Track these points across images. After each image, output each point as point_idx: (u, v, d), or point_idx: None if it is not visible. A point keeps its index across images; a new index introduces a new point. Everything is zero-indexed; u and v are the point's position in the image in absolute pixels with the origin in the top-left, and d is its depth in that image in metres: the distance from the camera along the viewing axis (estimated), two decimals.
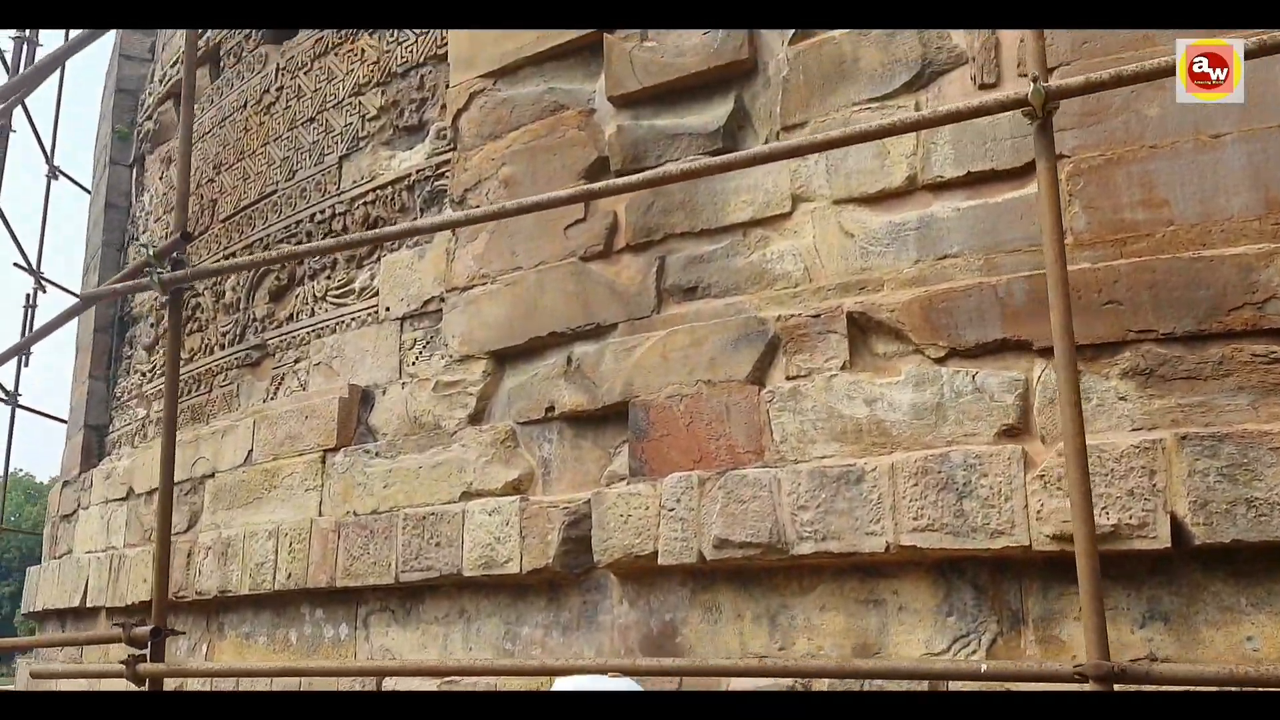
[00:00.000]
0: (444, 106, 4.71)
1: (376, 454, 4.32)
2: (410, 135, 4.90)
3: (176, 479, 5.32)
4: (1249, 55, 2.05)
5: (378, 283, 4.83)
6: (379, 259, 4.85)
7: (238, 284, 5.69)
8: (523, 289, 4.06)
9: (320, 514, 4.44)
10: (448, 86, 4.68)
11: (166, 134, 7.15)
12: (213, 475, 5.10)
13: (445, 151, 4.64)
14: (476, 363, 4.15)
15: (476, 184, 4.31)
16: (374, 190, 4.94)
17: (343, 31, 5.31)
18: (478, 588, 3.87)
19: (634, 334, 3.71)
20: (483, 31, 4.38)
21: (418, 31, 4.89)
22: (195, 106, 6.36)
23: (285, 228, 5.38)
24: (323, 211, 5.18)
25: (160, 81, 7.27)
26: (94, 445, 7.23)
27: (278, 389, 5.24)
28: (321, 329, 5.04)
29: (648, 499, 3.39)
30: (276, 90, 5.70)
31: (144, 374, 6.71)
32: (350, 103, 5.18)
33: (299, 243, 5.27)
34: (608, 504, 3.48)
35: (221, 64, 6.43)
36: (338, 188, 5.14)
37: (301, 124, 5.47)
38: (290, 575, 4.36)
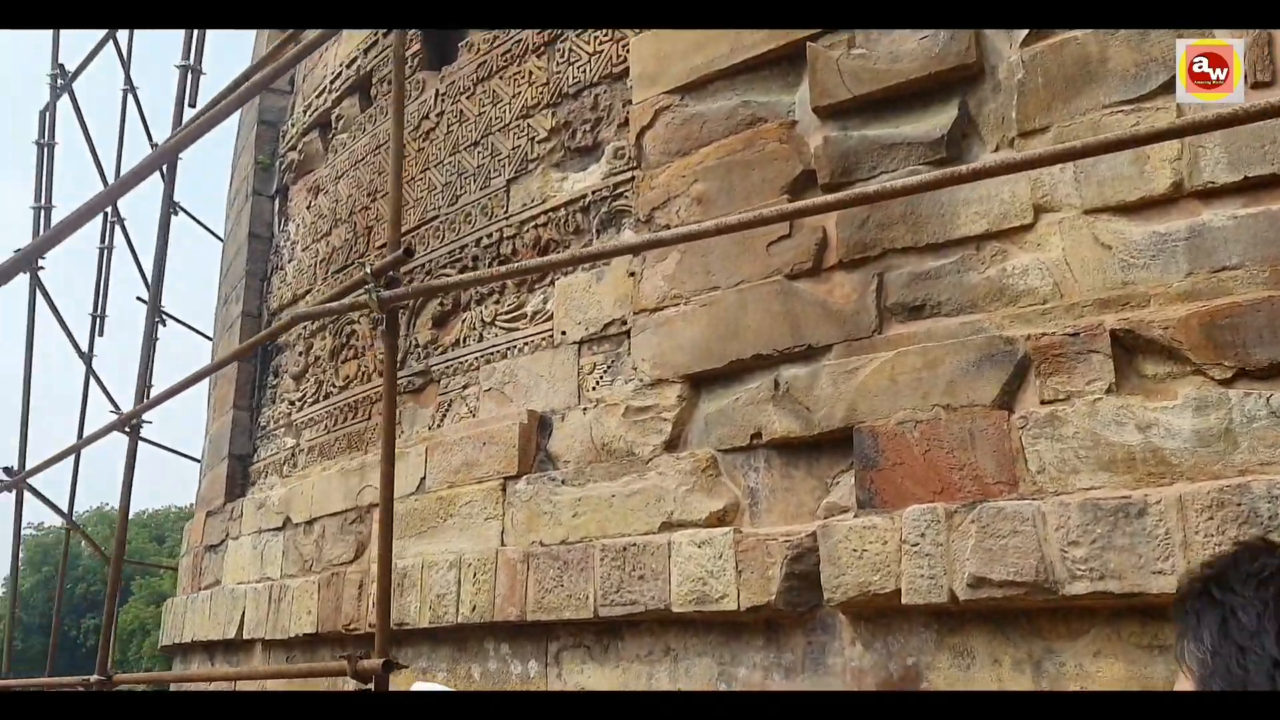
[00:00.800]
0: (621, 125, 4.58)
1: (563, 481, 4.17)
2: (583, 156, 4.78)
3: (340, 508, 5.25)
4: None
5: (551, 306, 4.70)
6: (552, 282, 4.72)
7: (401, 310, 5.62)
8: (721, 309, 3.88)
9: (503, 544, 4.29)
10: (625, 105, 4.56)
11: (312, 164, 7.18)
12: None
13: (624, 171, 4.51)
14: (670, 387, 3.97)
15: (665, 202, 4.16)
16: (545, 213, 4.83)
17: (508, 54, 5.24)
18: (685, 624, 3.66)
19: (852, 356, 3.49)
20: (669, 46, 4.25)
21: (590, 51, 4.78)
22: (347, 135, 6.37)
23: (449, 252, 5.30)
24: (490, 235, 5.09)
25: (305, 111, 7.33)
26: (238, 475, 7.24)
27: (444, 416, 5.13)
28: (491, 354, 4.93)
29: (885, 533, 3.16)
30: (436, 116, 5.65)
31: (292, 402, 6.69)
32: (518, 125, 5.09)
33: (464, 268, 5.18)
34: (838, 538, 3.25)
35: (372, 93, 6.44)
36: (505, 211, 5.05)
37: (464, 149, 5.40)
38: (475, 608, 4.21)
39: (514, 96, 5.15)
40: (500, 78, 5.26)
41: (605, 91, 4.70)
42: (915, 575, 3.06)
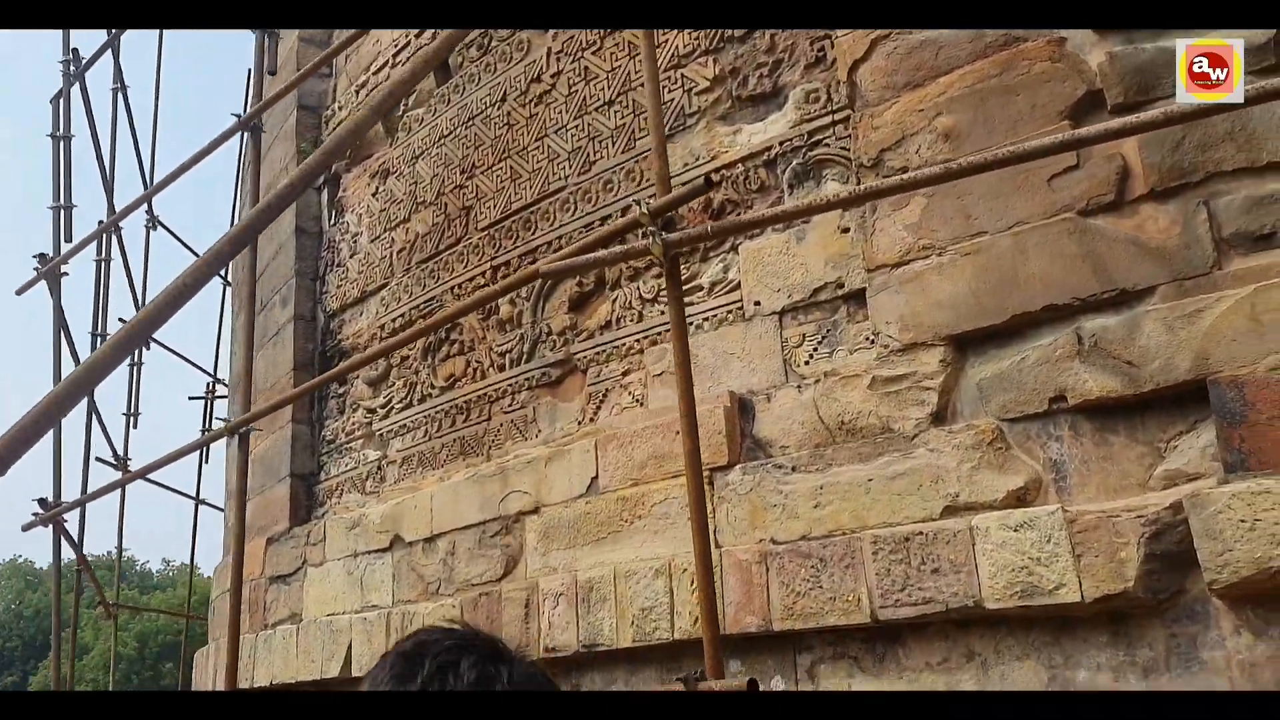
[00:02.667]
0: (810, 65, 4.06)
1: (792, 468, 3.60)
2: (758, 105, 4.24)
3: (476, 520, 4.62)
4: None
5: (735, 275, 4.14)
6: (734, 248, 4.17)
7: (516, 297, 5.01)
8: (990, 257, 3.36)
9: (717, 544, 3.71)
10: (813, 42, 4.04)
11: (371, 147, 6.53)
12: (536, 511, 4.37)
13: (821, 115, 3.99)
14: (929, 350, 3.43)
15: (898, 142, 3.63)
16: (716, 171, 4.27)
17: None
18: (993, 624, 3.12)
19: (1187, 297, 2.99)
20: None
21: None
22: (423, 110, 5.75)
23: (585, 225, 4.71)
24: (639, 203, 4.49)
25: (357, 91, 6.67)
26: (302, 496, 6.52)
27: (599, 408, 4.53)
28: (658, 334, 4.34)
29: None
30: (552, 77, 5.06)
31: (371, 410, 6.01)
32: (667, 78, 4.53)
33: (605, 243, 4.58)
34: (1215, 508, 2.74)
35: (453, 60, 5.81)
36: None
37: (595, 109, 4.81)
38: (697, 620, 3.61)
39: (658, 46, 4.58)
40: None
41: (784, 30, 4.17)
42: None
